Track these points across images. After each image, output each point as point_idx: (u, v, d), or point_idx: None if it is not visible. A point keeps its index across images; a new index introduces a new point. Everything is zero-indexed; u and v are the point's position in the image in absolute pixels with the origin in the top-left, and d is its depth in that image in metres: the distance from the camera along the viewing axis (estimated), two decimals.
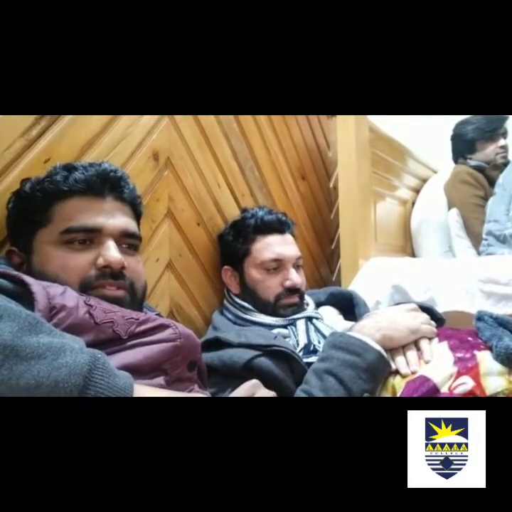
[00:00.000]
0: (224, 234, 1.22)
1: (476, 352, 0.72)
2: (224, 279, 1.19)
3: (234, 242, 1.17)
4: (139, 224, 0.82)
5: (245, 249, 1.15)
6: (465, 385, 0.68)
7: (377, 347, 0.77)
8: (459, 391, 0.68)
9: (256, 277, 1.13)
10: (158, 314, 0.79)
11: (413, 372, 0.75)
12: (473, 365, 0.70)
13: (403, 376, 0.75)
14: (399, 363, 0.78)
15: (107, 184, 0.75)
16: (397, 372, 0.77)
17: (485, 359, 0.70)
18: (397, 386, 0.74)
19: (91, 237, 0.71)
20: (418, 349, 0.79)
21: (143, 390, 0.52)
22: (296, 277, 1.12)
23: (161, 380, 0.62)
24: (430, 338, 0.81)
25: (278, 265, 1.13)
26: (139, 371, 0.53)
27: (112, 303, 0.67)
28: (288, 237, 1.18)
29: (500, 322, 0.75)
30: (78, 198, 0.72)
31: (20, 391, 0.44)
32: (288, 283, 1.11)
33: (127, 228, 0.75)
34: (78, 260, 0.69)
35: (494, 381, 0.67)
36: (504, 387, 0.67)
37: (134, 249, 0.77)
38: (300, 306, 1.13)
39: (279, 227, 1.17)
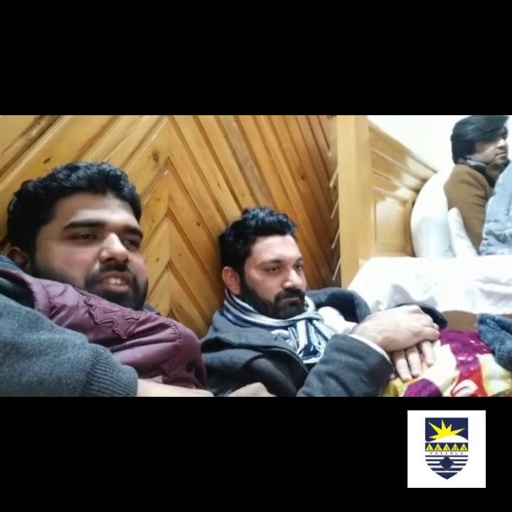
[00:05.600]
0: (225, 235, 1.22)
1: (478, 355, 0.71)
2: (224, 279, 1.19)
3: (235, 243, 1.17)
4: (138, 223, 0.83)
5: (246, 250, 1.15)
6: (467, 389, 0.67)
7: (380, 350, 0.76)
8: (461, 395, 0.67)
9: (256, 278, 1.13)
10: (157, 314, 0.79)
11: (416, 376, 0.74)
12: (476, 368, 0.69)
13: (404, 381, 0.74)
14: (400, 366, 0.77)
15: (108, 181, 0.76)
16: (398, 375, 0.76)
17: (487, 362, 0.69)
18: (399, 389, 0.74)
19: (94, 231, 0.72)
20: (420, 352, 0.79)
21: (146, 385, 0.52)
22: (296, 278, 1.13)
23: (159, 379, 0.62)
24: (432, 341, 0.81)
25: (278, 266, 1.13)
26: (138, 370, 0.53)
27: (116, 298, 0.68)
28: (289, 238, 1.18)
29: (503, 325, 0.75)
30: (80, 194, 0.74)
31: (22, 388, 0.43)
32: (288, 284, 1.11)
33: (129, 223, 0.76)
34: (83, 255, 0.70)
35: (497, 385, 0.66)
36: (506, 389, 0.66)
37: (136, 245, 0.79)
38: (300, 306, 1.13)
39: (279, 228, 1.17)
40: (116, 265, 0.71)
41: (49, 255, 0.70)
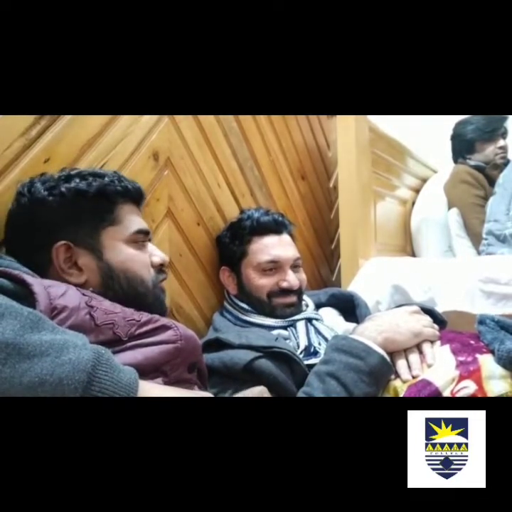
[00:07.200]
0: (221, 235, 1.21)
1: (478, 355, 0.71)
2: (222, 279, 1.19)
3: (231, 244, 1.17)
4: None
5: (242, 251, 1.14)
6: (467, 388, 0.67)
7: (380, 350, 0.77)
8: (461, 395, 0.67)
9: (252, 278, 1.12)
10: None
11: (416, 376, 0.74)
12: (475, 368, 0.69)
13: (404, 381, 0.75)
14: (400, 367, 0.77)
15: (142, 194, 0.83)
16: (398, 375, 0.76)
17: (487, 362, 0.70)
18: (399, 389, 0.74)
19: (145, 238, 0.80)
20: (420, 352, 0.79)
21: (147, 386, 0.52)
22: (292, 279, 1.11)
23: (159, 381, 0.62)
24: (432, 341, 0.81)
25: (275, 267, 1.12)
26: (138, 371, 0.53)
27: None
28: (285, 237, 1.17)
29: (502, 325, 0.75)
30: (130, 204, 0.80)
31: (24, 389, 0.44)
32: (284, 284, 1.10)
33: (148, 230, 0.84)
34: (145, 258, 0.78)
35: (496, 384, 0.67)
36: (507, 390, 0.66)
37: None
38: (298, 306, 1.12)
39: (275, 228, 1.15)
40: (162, 270, 0.80)
41: (122, 255, 0.74)
